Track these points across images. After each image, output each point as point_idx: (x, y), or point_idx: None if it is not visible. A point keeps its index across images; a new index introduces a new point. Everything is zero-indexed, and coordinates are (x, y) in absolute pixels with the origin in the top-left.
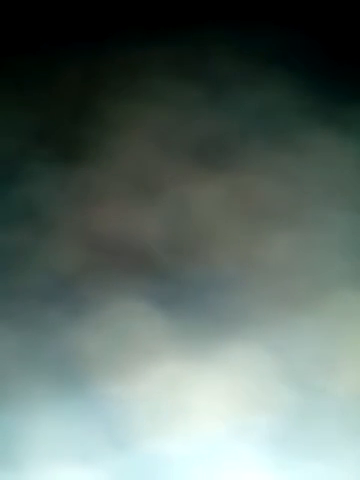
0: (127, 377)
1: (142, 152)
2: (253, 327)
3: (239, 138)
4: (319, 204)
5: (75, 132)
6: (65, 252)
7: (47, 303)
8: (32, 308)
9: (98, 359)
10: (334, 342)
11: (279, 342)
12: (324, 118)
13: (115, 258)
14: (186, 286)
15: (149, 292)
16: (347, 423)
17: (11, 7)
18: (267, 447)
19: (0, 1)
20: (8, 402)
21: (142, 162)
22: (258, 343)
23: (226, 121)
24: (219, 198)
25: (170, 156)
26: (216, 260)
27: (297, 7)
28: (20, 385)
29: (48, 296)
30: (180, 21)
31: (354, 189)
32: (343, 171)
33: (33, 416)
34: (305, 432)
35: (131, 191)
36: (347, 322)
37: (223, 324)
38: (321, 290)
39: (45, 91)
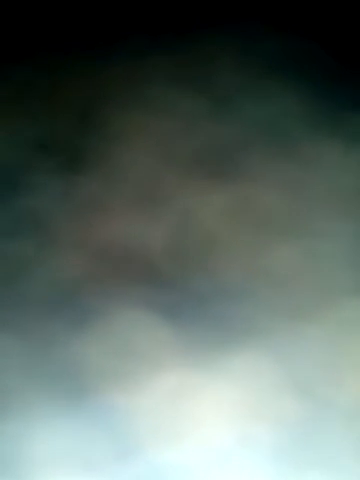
0: (131, 387)
1: (145, 162)
2: (257, 337)
3: (243, 148)
4: (323, 214)
5: (78, 142)
6: (69, 262)
7: (51, 313)
8: (36, 318)
9: (102, 369)
10: (339, 352)
11: (283, 352)
12: (328, 127)
13: (119, 268)
14: (190, 296)
15: (153, 302)
16: (352, 433)
17: (13, 16)
18: (272, 457)
19: (2, 10)
20: (12, 412)
21: (146, 172)
22: (262, 353)
23: (230, 131)
24: (223, 208)
25: (174, 166)
26: (220, 270)
27: (301, 14)
28: (24, 395)
29: (52, 306)
30: (183, 31)
31: (359, 199)
32: (348, 180)
33: (37, 426)
34: (310, 442)
35: (135, 201)
36: (352, 332)
37: (227, 334)
38: (325, 300)
39: (48, 101)
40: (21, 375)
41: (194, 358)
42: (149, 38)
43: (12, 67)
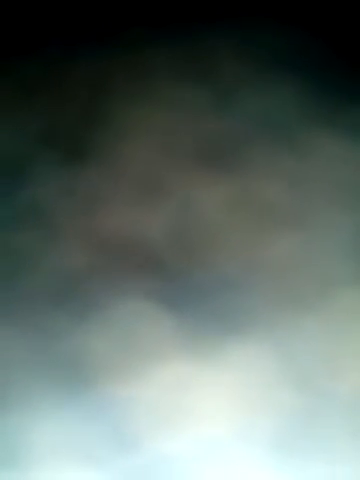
0: (133, 378)
1: (148, 155)
2: (258, 328)
3: (244, 140)
4: (323, 206)
5: (81, 135)
6: (71, 255)
7: (53, 305)
8: (38, 310)
9: (104, 361)
10: (338, 343)
11: (284, 343)
12: (328, 119)
13: (121, 260)
14: (192, 288)
15: (154, 294)
16: (351, 423)
17: (17, 9)
18: (271, 448)
19: (6, 3)
20: (13, 404)
21: (148, 165)
22: (263, 344)
23: (231, 124)
24: (224, 200)
25: (176, 159)
26: (221, 262)
27: (302, 9)
28: (27, 387)
29: (54, 298)
30: (185, 24)
31: (358, 191)
32: (347, 173)
33: (39, 418)
34: (310, 432)
35: (137, 193)
36: (351, 323)
37: (228, 326)
38: (325, 291)
39: (52, 94)
40: (23, 367)
41: (195, 350)
42: (152, 31)
43: (15, 61)
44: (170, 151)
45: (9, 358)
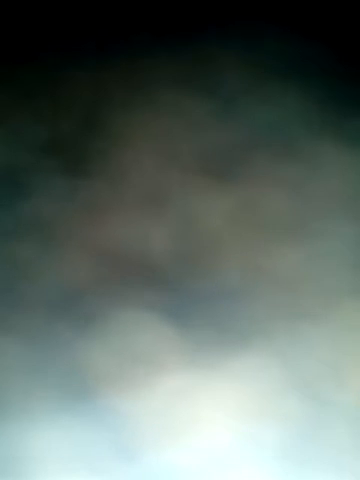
0: (134, 389)
1: (150, 164)
2: (260, 338)
3: (247, 149)
4: (326, 216)
5: (83, 144)
6: (73, 264)
7: (55, 316)
8: (39, 320)
9: (105, 371)
10: (341, 352)
11: (286, 352)
12: (332, 130)
13: (123, 270)
14: (193, 297)
15: (156, 304)
16: (355, 433)
17: (17, 16)
18: (275, 457)
19: (6, 12)
20: (15, 413)
21: (150, 174)
22: (265, 354)
23: (234, 132)
24: (227, 210)
25: (178, 168)
26: (223, 271)
27: (304, 16)
28: (27, 397)
29: (56, 309)
30: (187, 31)
31: None
32: (350, 181)
33: (40, 428)
34: (313, 442)
35: (139, 203)
36: (354, 332)
37: (230, 335)
38: (328, 301)
39: (53, 103)
40: (24, 377)
41: (197, 360)
42: (153, 39)
43: (15, 68)
44: (172, 161)
45: (10, 368)
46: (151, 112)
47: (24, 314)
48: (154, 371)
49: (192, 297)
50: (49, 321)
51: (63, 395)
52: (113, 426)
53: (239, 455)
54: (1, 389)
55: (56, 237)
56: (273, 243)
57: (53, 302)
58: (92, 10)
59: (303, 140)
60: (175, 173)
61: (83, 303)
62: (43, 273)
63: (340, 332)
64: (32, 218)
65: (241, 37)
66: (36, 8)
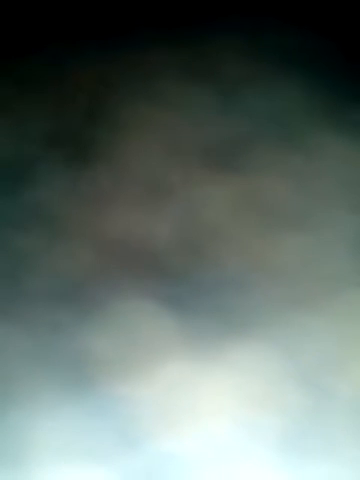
0: (136, 377)
1: (152, 155)
2: (262, 327)
3: (249, 140)
4: (329, 206)
5: (86, 135)
6: (75, 254)
7: (57, 304)
8: (42, 309)
9: (108, 359)
10: (343, 342)
11: (288, 342)
12: (335, 120)
13: (125, 260)
14: (195, 287)
15: (159, 293)
16: (356, 423)
17: (21, 9)
18: (275, 447)
19: (10, 4)
20: (17, 402)
21: (153, 164)
22: (267, 343)
23: (237, 123)
24: (229, 200)
25: (180, 158)
26: (225, 261)
27: (309, 8)
28: (30, 385)
29: (58, 298)
30: (191, 24)
31: None
32: (352, 172)
33: (43, 416)
34: (314, 432)
35: (142, 193)
36: (355, 322)
37: (232, 325)
38: (330, 291)
39: (56, 94)
40: (26, 365)
41: (198, 348)
42: (158, 32)
43: (20, 60)
44: (175, 151)
45: (12, 356)
46: (154, 103)
47: (27, 303)
48: (156, 360)
49: (194, 287)
50: (51, 310)
51: (65, 384)
52: (115, 414)
53: (240, 444)
54: (4, 378)
55: (59, 227)
56: (275, 233)
57: (56, 292)
58: (96, 3)
59: (306, 130)
60: (178, 164)
61: (85, 293)
62: (46, 263)
63: (342, 322)
64: (36, 209)
65: (245, 30)
66: (40, 1)
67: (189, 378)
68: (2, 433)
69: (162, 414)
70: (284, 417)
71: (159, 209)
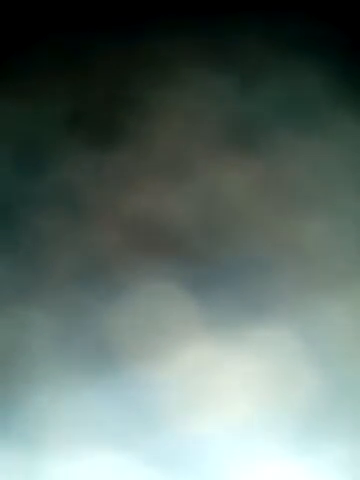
0: (160, 360)
1: (175, 137)
2: (284, 311)
3: (269, 125)
4: (348, 189)
5: (110, 118)
6: (99, 236)
7: (81, 286)
8: (65, 291)
9: (131, 342)
10: None
11: (310, 326)
12: (353, 104)
13: (148, 242)
14: (218, 269)
15: (182, 275)
16: None
17: None
18: (295, 430)
19: None
20: (41, 385)
21: (175, 147)
22: (288, 327)
23: (258, 109)
24: (251, 183)
25: (202, 141)
26: (247, 244)
27: (324, 2)
28: (54, 368)
29: (82, 279)
30: (211, 10)
31: None
32: None
33: (66, 399)
34: (334, 415)
35: (164, 175)
36: None
37: (254, 308)
38: (350, 275)
39: (81, 77)
40: (49, 347)
41: (221, 332)
42: (179, 18)
43: (47, 43)
44: (197, 135)
45: (35, 338)
46: (176, 87)
47: (50, 285)
48: (178, 342)
49: (215, 269)
50: (74, 292)
51: (87, 366)
52: (137, 398)
53: (262, 424)
54: (27, 360)
55: (82, 208)
56: (296, 217)
57: (78, 273)
58: None
59: (324, 114)
60: (200, 146)
61: (108, 274)
62: (70, 245)
63: None
64: (60, 190)
65: (263, 15)
66: None
67: (211, 361)
68: (24, 416)
69: (183, 397)
70: (306, 400)
71: (182, 191)
